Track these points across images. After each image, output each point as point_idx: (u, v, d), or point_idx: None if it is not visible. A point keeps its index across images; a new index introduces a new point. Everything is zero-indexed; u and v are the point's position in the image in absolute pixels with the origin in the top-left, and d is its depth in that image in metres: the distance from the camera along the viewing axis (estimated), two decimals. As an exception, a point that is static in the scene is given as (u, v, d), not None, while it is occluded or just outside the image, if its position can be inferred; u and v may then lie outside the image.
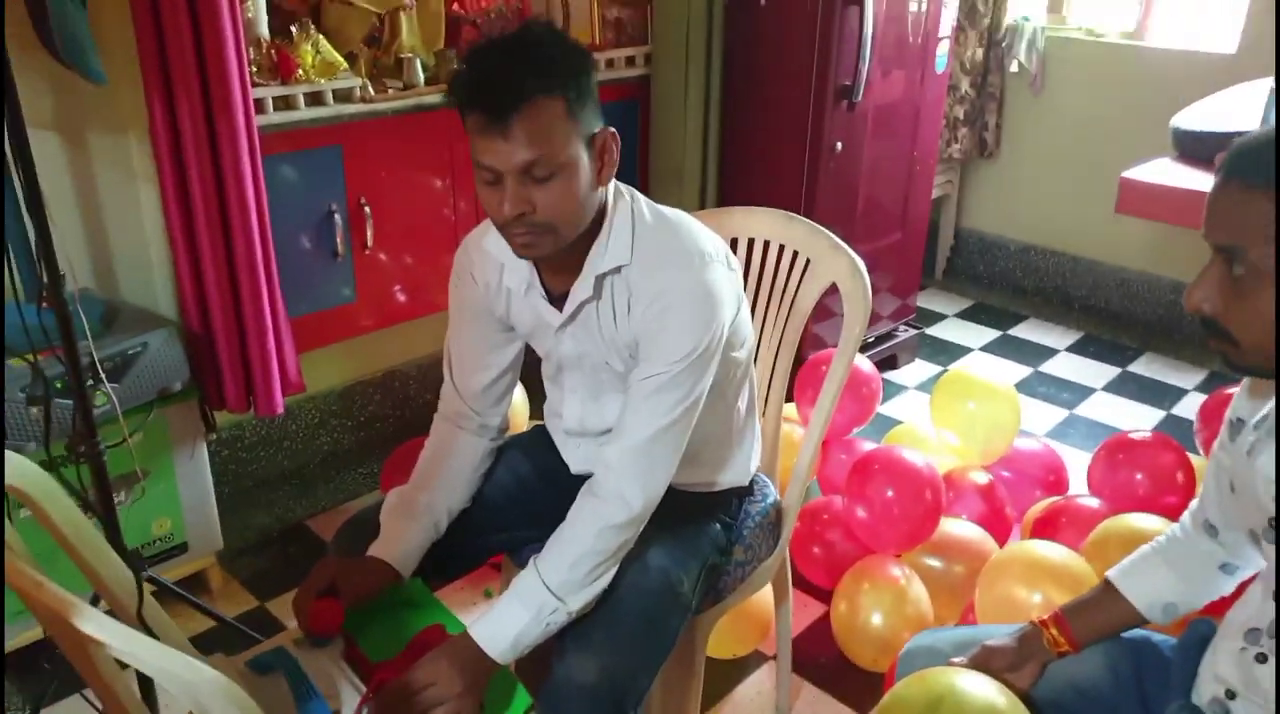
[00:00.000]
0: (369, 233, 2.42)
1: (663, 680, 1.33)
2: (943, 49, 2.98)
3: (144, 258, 2.19)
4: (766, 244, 1.74)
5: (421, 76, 2.39)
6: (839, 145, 2.80)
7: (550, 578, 1.24)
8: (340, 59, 2.23)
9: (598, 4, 2.76)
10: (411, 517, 1.40)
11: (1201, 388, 3.33)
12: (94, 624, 0.66)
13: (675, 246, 1.30)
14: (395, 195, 2.47)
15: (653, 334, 1.27)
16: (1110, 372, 3.46)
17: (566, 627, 1.27)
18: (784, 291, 1.73)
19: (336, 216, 2.35)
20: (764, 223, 1.74)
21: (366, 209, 2.40)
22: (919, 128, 3.06)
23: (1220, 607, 1.33)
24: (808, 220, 1.70)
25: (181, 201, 1.99)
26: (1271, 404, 1.06)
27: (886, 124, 2.94)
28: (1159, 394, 3.31)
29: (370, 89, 2.29)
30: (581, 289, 1.30)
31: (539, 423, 1.64)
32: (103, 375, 1.77)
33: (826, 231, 1.68)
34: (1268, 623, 1.08)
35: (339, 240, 2.38)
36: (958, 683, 1.12)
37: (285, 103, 2.18)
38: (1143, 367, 3.51)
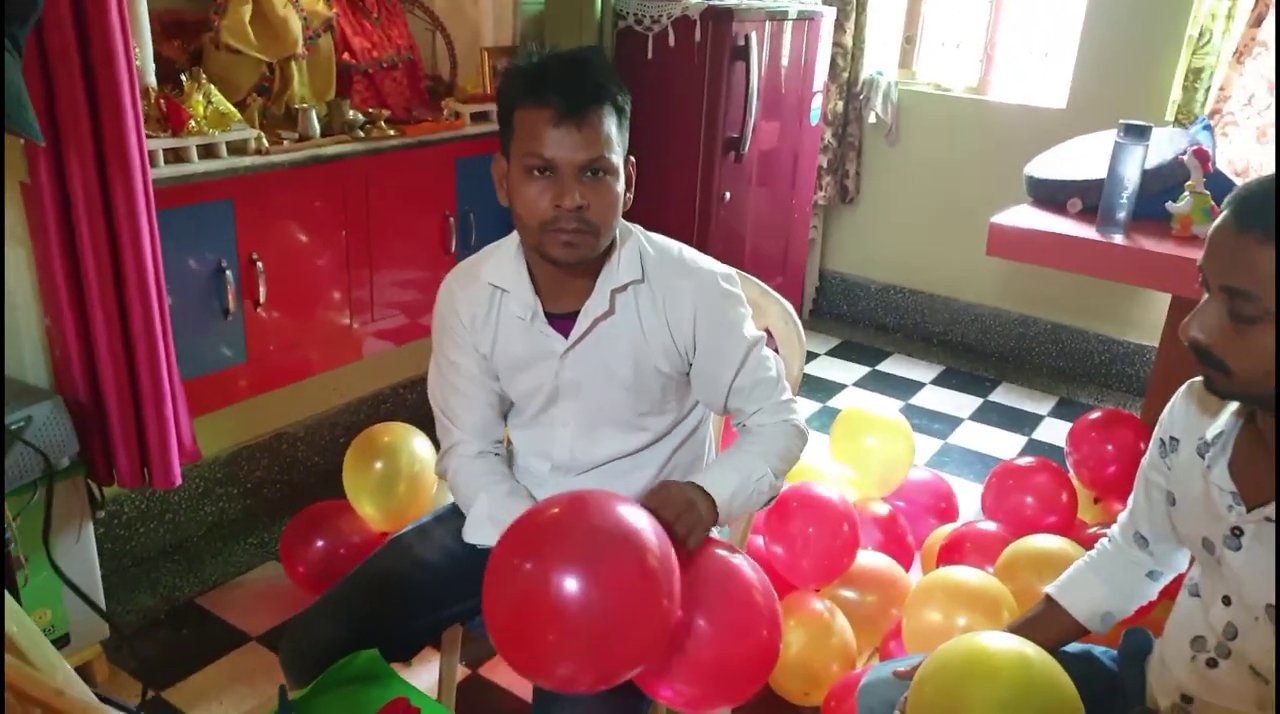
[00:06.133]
0: (262, 290, 2.31)
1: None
2: (816, 102, 3.15)
3: (12, 324, 2.00)
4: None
5: (318, 127, 2.31)
6: (727, 195, 2.90)
7: (756, 450, 1.38)
8: (234, 110, 2.14)
9: (488, 55, 2.76)
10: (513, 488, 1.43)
11: (1055, 414, 3.59)
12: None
13: (690, 262, 1.42)
14: (289, 250, 2.37)
15: (712, 327, 1.38)
16: (973, 402, 3.69)
17: None
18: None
19: (227, 273, 2.24)
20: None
21: (259, 265, 2.29)
22: (797, 176, 3.21)
23: (1147, 611, 1.45)
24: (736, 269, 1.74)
25: (68, 264, 1.84)
26: (1222, 422, 1.17)
27: (769, 173, 3.07)
28: (1018, 421, 3.55)
29: (265, 140, 2.20)
30: (596, 304, 1.35)
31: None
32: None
33: (756, 279, 1.73)
34: (1214, 629, 1.18)
35: (230, 298, 2.26)
36: (988, 642, 1.15)
37: (176, 155, 2.07)
38: (1001, 395, 3.75)
